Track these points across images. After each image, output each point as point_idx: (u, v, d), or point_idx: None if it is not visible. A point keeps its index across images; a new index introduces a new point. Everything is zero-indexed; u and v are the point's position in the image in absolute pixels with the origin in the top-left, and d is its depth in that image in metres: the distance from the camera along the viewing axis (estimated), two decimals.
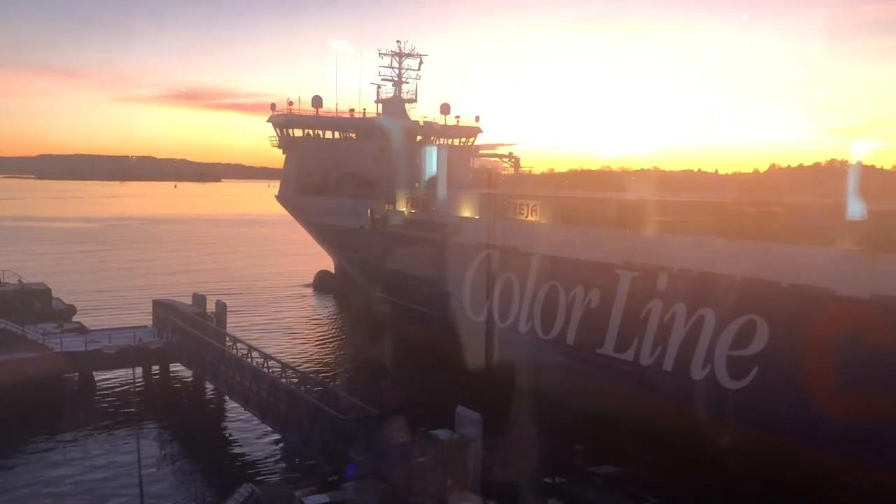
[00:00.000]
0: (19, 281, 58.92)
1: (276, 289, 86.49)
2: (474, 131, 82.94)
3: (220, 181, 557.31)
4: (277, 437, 35.20)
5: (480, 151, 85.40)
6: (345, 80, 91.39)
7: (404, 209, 61.68)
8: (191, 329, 43.86)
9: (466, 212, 53.28)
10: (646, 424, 33.46)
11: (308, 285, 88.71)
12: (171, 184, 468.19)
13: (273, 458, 34.71)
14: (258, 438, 36.82)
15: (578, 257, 41.14)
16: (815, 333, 29.52)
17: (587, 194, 59.51)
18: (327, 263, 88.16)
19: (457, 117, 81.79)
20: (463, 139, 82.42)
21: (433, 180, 64.55)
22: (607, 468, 26.61)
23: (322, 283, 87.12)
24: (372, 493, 25.02)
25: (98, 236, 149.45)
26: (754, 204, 43.67)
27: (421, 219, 58.25)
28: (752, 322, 31.49)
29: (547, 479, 25.64)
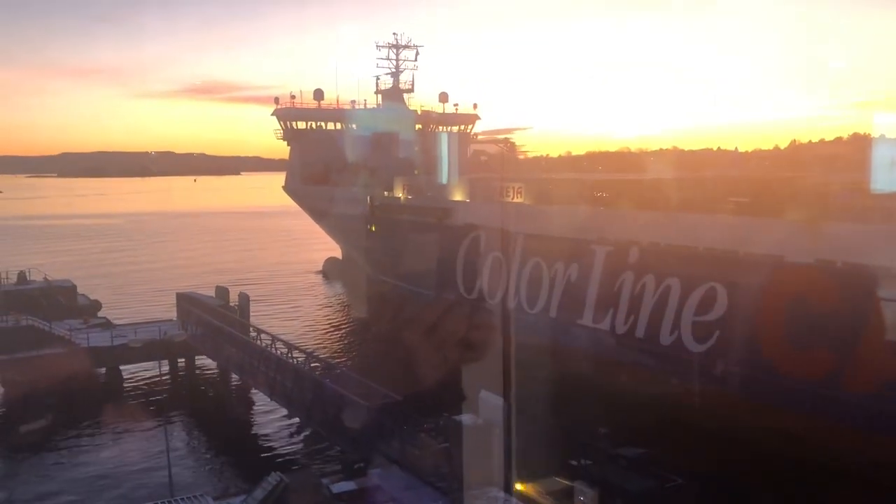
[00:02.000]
0: (45, 278, 59.62)
1: (289, 277, 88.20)
2: (472, 118, 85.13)
3: (239, 174, 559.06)
4: (303, 425, 35.45)
5: (479, 137, 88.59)
6: (352, 71, 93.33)
7: (401, 195, 63.38)
8: (215, 321, 44.20)
9: (459, 196, 55.64)
10: (627, 391, 35.01)
11: (318, 272, 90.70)
12: (191, 178, 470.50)
13: (300, 447, 34.99)
14: (284, 427, 37.10)
15: (558, 234, 43.62)
16: (768, 297, 31.83)
17: (582, 176, 62.68)
18: (335, 250, 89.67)
19: (455, 105, 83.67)
20: (461, 126, 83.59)
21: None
22: (633, 450, 26.52)
23: (331, 270, 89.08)
24: (397, 479, 25.14)
25: (121, 232, 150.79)
26: (716, 179, 48.96)
27: (416, 204, 60.37)
28: (713, 289, 33.70)
29: (573, 462, 25.63)
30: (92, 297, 60.28)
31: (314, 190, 79.45)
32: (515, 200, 49.06)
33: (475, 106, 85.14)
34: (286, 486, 24.16)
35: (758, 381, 32.09)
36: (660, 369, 36.22)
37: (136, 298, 71.85)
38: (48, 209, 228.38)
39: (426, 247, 55.93)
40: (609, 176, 63.80)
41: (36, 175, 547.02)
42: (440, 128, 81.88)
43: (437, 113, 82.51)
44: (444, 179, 60.70)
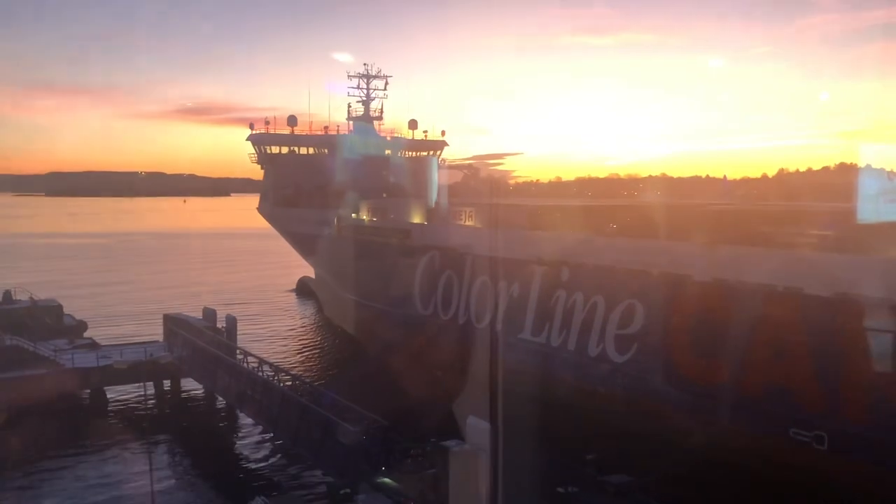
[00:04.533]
0: (31, 298, 59.18)
1: (269, 296, 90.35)
2: (440, 145, 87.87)
3: (229, 195, 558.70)
4: (289, 450, 35.17)
5: (448, 163, 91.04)
6: (336, 95, 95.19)
7: (365, 217, 66.45)
8: (201, 343, 43.93)
9: (417, 218, 59.08)
10: (567, 402, 37.65)
11: (291, 290, 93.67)
12: (181, 199, 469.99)
13: (285, 472, 34.64)
14: (270, 452, 36.83)
15: (502, 256, 46.67)
16: (677, 312, 34.88)
17: (540, 201, 69.21)
18: (309, 270, 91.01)
19: (424, 132, 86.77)
20: (430, 152, 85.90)
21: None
22: (620, 477, 26.43)
23: (304, 289, 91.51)
24: None
25: (108, 252, 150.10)
26: (637, 207, 55.20)
27: (378, 226, 63.42)
28: (632, 305, 36.95)
29: (560, 489, 25.51)
30: (78, 317, 59.86)
31: (285, 212, 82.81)
32: (467, 223, 52.46)
33: (443, 133, 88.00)
34: None
35: (672, 387, 34.70)
36: (589, 378, 39.13)
37: (123, 319, 71.38)
38: (36, 227, 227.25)
39: (387, 266, 58.54)
40: (569, 202, 68.07)
41: (23, 193, 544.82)
42: (407, 153, 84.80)
43: (406, 139, 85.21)
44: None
